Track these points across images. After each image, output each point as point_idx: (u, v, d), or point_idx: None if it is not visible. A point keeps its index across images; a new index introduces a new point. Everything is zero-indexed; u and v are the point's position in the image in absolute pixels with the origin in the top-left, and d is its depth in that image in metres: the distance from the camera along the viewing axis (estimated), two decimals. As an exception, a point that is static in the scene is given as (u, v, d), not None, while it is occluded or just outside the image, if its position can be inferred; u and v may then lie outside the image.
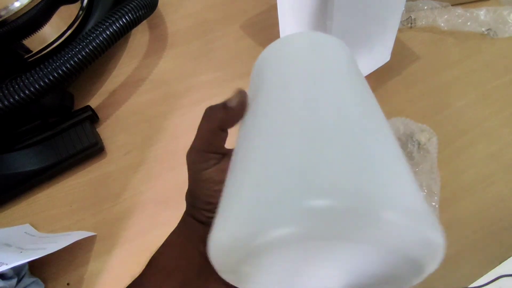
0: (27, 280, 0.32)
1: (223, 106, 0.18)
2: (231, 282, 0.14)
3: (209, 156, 0.18)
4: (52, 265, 0.35)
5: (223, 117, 0.18)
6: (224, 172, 0.18)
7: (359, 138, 0.13)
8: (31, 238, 0.34)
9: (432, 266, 0.12)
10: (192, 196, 0.20)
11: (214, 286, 0.18)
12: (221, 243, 0.12)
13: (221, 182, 0.18)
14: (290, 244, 0.11)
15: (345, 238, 0.10)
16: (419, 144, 0.38)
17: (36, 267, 0.34)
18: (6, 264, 0.26)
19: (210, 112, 0.18)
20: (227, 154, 0.19)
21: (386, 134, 0.14)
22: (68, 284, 0.34)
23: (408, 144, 0.38)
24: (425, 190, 0.36)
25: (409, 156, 0.38)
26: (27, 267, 0.33)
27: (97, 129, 0.44)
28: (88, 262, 0.35)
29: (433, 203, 0.35)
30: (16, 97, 0.36)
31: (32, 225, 0.37)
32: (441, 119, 0.41)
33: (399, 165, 0.13)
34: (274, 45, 0.19)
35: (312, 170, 0.11)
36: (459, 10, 0.49)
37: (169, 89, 0.48)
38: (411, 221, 0.11)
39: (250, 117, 0.17)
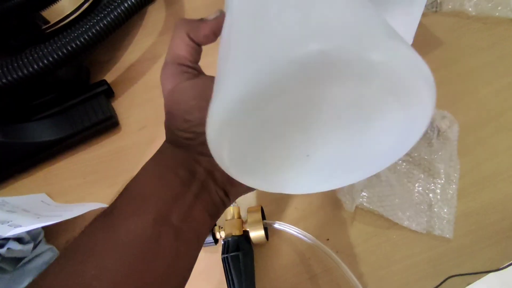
0: (43, 246, 0.33)
1: (201, 20, 0.18)
2: (227, 167, 0.14)
3: (182, 69, 0.18)
4: (66, 233, 0.35)
5: (192, 25, 0.17)
6: (200, 85, 0.17)
7: None
8: (47, 206, 0.34)
9: (424, 94, 0.12)
10: (169, 117, 0.19)
11: (196, 212, 0.17)
12: (225, 97, 0.12)
13: (197, 96, 0.17)
14: (291, 90, 0.11)
15: (339, 77, 0.11)
16: (438, 131, 0.37)
17: (51, 235, 0.35)
18: (21, 226, 0.27)
19: (180, 21, 0.18)
20: (202, 74, 0.18)
21: None
22: (81, 253, 0.35)
23: (428, 130, 0.37)
24: (444, 178, 0.35)
25: (428, 143, 0.36)
26: (43, 234, 0.33)
27: (112, 104, 0.44)
28: (101, 232, 0.36)
29: (451, 192, 0.34)
30: (33, 67, 0.36)
31: (48, 195, 0.38)
32: (463, 107, 0.40)
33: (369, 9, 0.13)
34: None
35: (305, 21, 0.11)
36: (489, -7, 0.46)
37: (184, 67, 0.47)
38: (396, 52, 0.11)
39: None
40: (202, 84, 0.17)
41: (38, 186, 0.39)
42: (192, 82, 0.18)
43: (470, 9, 0.47)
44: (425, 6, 0.49)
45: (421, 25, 0.43)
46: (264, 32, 0.12)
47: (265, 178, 0.15)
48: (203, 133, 0.15)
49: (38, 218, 0.30)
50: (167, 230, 0.16)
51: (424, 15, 0.41)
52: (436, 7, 0.48)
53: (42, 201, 0.36)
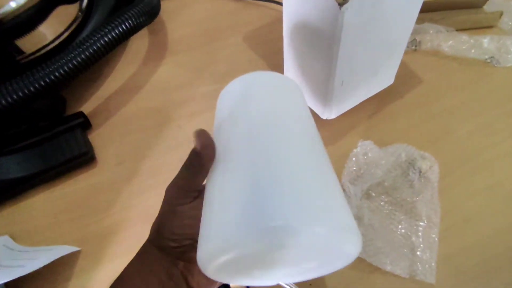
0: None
1: (195, 152, 0.21)
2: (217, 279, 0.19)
3: (188, 194, 0.21)
4: (30, 282, 0.33)
5: (197, 162, 0.21)
6: (195, 209, 0.21)
7: (299, 173, 0.18)
8: (9, 252, 0.32)
9: (353, 255, 0.17)
10: (161, 226, 0.22)
11: None
12: (205, 253, 0.17)
13: (191, 217, 0.21)
14: (248, 255, 0.16)
15: (287, 245, 0.15)
16: (420, 172, 0.37)
17: (12, 285, 0.32)
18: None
19: (189, 157, 0.22)
20: (202, 191, 0.21)
21: (322, 166, 0.19)
22: (47, 302, 0.32)
23: (410, 172, 0.37)
24: (425, 221, 0.35)
25: (410, 185, 0.37)
26: (2, 285, 0.31)
27: (89, 136, 0.42)
28: (70, 279, 0.33)
29: (433, 235, 0.34)
30: (6, 100, 0.34)
31: (12, 237, 0.35)
32: (442, 146, 0.41)
33: (329, 190, 0.18)
34: (233, 84, 0.23)
35: (262, 202, 0.16)
36: (464, 36, 0.48)
37: (166, 98, 0.46)
38: (329, 232, 0.16)
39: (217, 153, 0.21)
40: (195, 208, 0.21)
41: (0, 226, 0.37)
42: (191, 205, 0.21)
43: (446, 49, 0.49)
44: (406, 44, 0.51)
45: (402, 63, 0.44)
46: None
47: (238, 279, 0.20)
48: (186, 245, 0.21)
49: (-2, 269, 0.28)
50: None
51: (405, 53, 0.43)
52: (416, 46, 0.50)
53: (4, 245, 0.33)
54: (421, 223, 0.35)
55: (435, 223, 0.35)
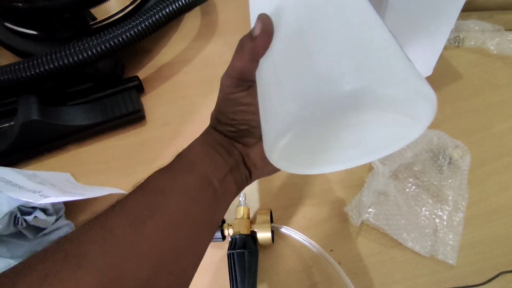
0: (62, 221, 0.35)
1: (250, 37, 0.19)
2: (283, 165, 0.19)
3: (240, 83, 0.21)
4: (85, 212, 0.38)
5: (252, 49, 0.19)
6: (250, 96, 0.21)
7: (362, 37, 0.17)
8: (71, 184, 0.37)
9: (428, 115, 0.16)
10: (219, 113, 0.23)
11: (228, 181, 0.22)
12: (285, 117, 0.16)
13: (245, 104, 0.22)
14: (331, 116, 0.15)
15: (366, 107, 0.15)
16: (450, 159, 0.38)
17: (71, 212, 0.37)
18: (49, 197, 0.29)
19: (241, 44, 0.20)
20: (253, 85, 0.21)
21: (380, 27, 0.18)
22: (95, 233, 0.37)
23: (440, 157, 0.38)
24: (451, 205, 0.35)
25: (439, 170, 0.37)
26: (64, 209, 0.36)
27: (142, 99, 0.47)
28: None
29: (458, 219, 0.35)
30: (77, 57, 0.40)
31: (72, 175, 0.40)
32: (477, 139, 0.41)
33: (391, 49, 0.17)
34: None
35: (338, 67, 0.15)
36: (512, 35, 0.48)
37: (211, 72, 0.50)
38: (404, 86, 0.15)
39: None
40: (250, 96, 0.22)
41: (63, 166, 0.42)
42: (244, 93, 0.22)
43: (492, 47, 0.48)
44: (448, 40, 0.51)
45: (443, 58, 0.44)
46: (308, 73, 0.16)
47: (301, 166, 0.20)
48: (243, 130, 0.23)
49: (64, 193, 0.32)
50: (208, 187, 0.21)
51: (446, 48, 0.43)
52: (459, 42, 0.50)
53: (66, 179, 0.38)
54: (446, 207, 0.36)
55: (461, 208, 0.35)
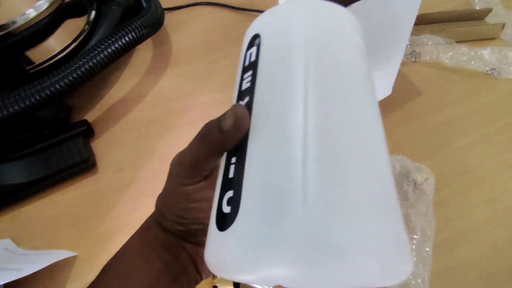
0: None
1: (218, 128, 0.15)
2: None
3: (195, 174, 0.17)
4: (28, 284, 0.34)
5: (217, 141, 0.15)
6: (206, 189, 0.17)
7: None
8: (9, 255, 0.33)
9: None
10: (165, 205, 0.19)
11: None
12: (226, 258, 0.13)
13: (199, 200, 0.18)
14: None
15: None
16: (415, 184, 0.37)
17: (10, 287, 0.33)
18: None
19: (206, 132, 0.16)
20: (216, 170, 0.17)
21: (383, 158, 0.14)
22: (43, 305, 0.33)
23: (404, 184, 0.37)
24: (419, 234, 0.34)
25: (404, 197, 0.37)
26: (1, 286, 0.32)
27: (92, 143, 0.44)
28: (66, 284, 0.34)
29: (427, 249, 0.34)
30: (13, 108, 0.36)
31: (13, 240, 0.36)
32: (440, 158, 0.41)
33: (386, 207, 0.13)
34: (270, 14, 0.18)
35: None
36: (464, 48, 0.48)
37: (168, 107, 0.47)
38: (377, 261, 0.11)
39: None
40: (206, 188, 0.18)
41: (3, 229, 0.38)
42: (200, 185, 0.18)
43: (446, 60, 0.49)
44: (405, 55, 0.51)
45: (401, 74, 0.44)
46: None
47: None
48: (194, 229, 0.18)
49: (-2, 271, 0.29)
50: None
51: (404, 64, 0.43)
52: (415, 57, 0.50)
53: (5, 248, 0.34)
54: (415, 236, 0.35)
55: (429, 236, 0.35)
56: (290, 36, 0.16)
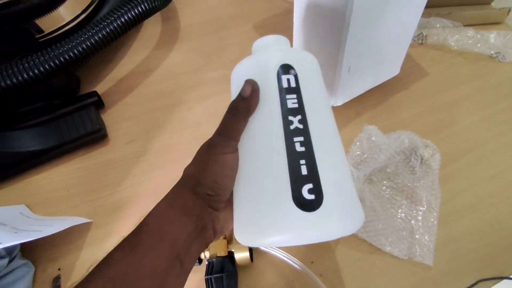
0: (18, 261, 0.32)
1: (242, 98, 0.22)
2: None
3: (230, 143, 0.22)
4: (44, 248, 0.34)
5: (243, 107, 0.21)
6: (235, 161, 0.22)
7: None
8: (26, 219, 0.33)
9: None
10: (202, 173, 0.22)
11: (193, 248, 0.21)
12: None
13: (232, 169, 0.22)
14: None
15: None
16: (422, 159, 0.38)
17: (27, 250, 0.34)
18: (1, 243, 0.26)
19: (233, 104, 0.22)
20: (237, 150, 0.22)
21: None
22: (59, 269, 0.34)
23: (412, 158, 0.38)
24: (425, 206, 0.36)
25: (411, 171, 0.38)
26: (19, 248, 0.32)
27: (102, 116, 0.44)
28: (81, 248, 0.35)
29: (432, 219, 0.35)
30: (23, 76, 0.36)
31: (28, 207, 0.37)
32: (444, 136, 0.42)
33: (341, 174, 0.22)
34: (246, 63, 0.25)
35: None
36: (470, 31, 0.49)
37: (177, 82, 0.47)
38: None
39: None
40: (237, 160, 0.22)
41: (18, 196, 0.38)
42: (233, 156, 0.22)
43: (452, 43, 0.50)
44: (412, 38, 0.52)
45: (408, 56, 0.45)
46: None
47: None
48: (220, 195, 0.22)
49: (16, 232, 0.29)
50: (175, 263, 0.20)
51: (411, 46, 0.43)
52: (422, 39, 0.51)
53: (21, 213, 0.34)
54: (421, 208, 0.36)
55: (435, 208, 0.36)
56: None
